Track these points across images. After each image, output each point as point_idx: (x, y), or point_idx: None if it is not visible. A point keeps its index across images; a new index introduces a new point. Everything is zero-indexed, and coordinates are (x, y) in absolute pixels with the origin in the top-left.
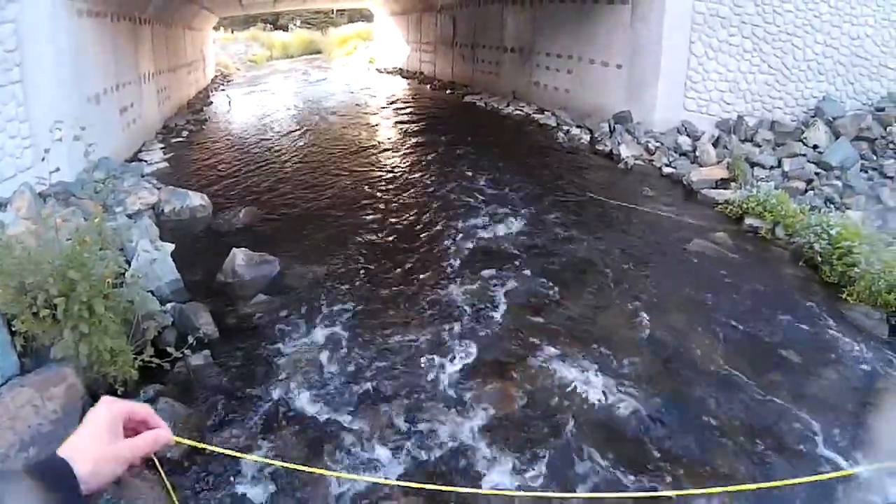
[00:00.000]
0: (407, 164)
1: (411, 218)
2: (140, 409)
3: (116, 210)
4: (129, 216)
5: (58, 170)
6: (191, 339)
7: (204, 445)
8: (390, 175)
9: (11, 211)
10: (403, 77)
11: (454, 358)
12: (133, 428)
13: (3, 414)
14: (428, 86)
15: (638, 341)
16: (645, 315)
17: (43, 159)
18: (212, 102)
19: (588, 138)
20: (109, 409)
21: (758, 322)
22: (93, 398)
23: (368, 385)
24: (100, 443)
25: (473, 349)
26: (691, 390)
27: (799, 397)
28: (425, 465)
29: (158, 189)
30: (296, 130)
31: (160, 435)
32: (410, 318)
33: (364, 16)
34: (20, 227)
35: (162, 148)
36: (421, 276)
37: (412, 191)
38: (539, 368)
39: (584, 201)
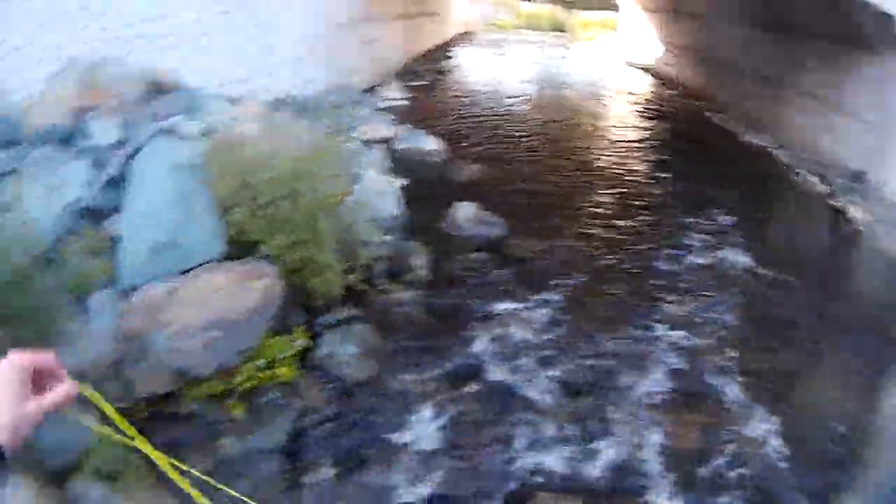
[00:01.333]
0: (637, 168)
1: (636, 223)
2: (44, 359)
3: (351, 135)
4: (363, 143)
5: (305, 81)
6: (403, 276)
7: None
8: (618, 175)
9: (242, 110)
10: (645, 75)
11: (647, 375)
12: (37, 380)
13: (194, 291)
14: (670, 91)
15: (832, 417)
16: (845, 394)
17: (291, 68)
18: (451, 56)
19: (822, 188)
20: (20, 363)
21: None
22: (289, 302)
23: (561, 374)
24: (14, 403)
25: (665, 374)
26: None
27: None
28: (590, 470)
29: (395, 125)
30: (535, 107)
31: (70, 391)
32: (615, 322)
33: (609, 5)
34: (249, 127)
35: (400, 87)
36: (629, 286)
37: (637, 194)
38: (725, 414)
39: (805, 254)
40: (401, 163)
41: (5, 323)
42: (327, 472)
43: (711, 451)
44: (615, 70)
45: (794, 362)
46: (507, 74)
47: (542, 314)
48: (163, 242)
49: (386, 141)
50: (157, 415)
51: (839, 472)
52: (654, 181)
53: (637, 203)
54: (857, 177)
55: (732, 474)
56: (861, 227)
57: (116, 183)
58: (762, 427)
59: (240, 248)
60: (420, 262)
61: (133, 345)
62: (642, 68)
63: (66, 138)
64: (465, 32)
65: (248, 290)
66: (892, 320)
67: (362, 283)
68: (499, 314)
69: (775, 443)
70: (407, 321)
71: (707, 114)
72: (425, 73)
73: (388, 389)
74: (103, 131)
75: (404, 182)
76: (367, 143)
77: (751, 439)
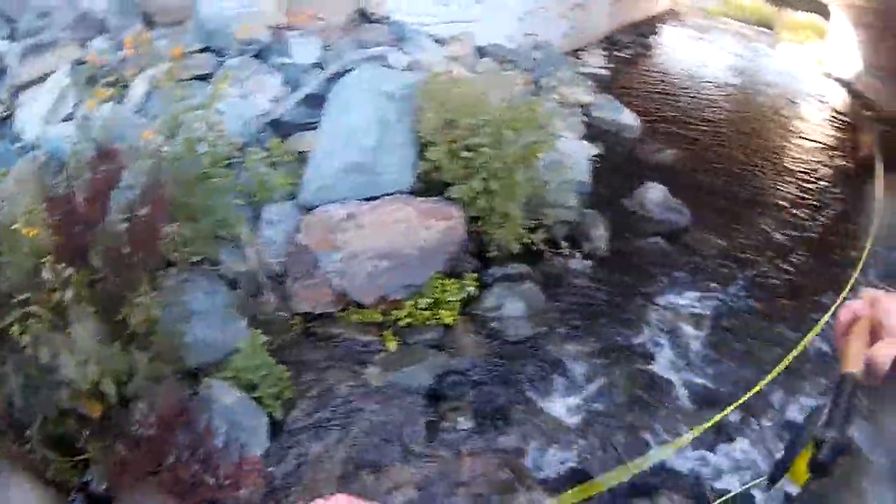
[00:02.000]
0: (824, 173)
1: (819, 246)
2: None
3: (551, 95)
4: (561, 105)
5: (510, 35)
6: (585, 246)
7: None
8: (807, 181)
9: (448, 51)
10: (848, 93)
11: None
12: None
13: (374, 219)
14: (867, 111)
15: None
16: None
17: (520, 19)
18: (657, 33)
19: None
20: None
21: None
22: (466, 249)
23: (720, 377)
24: None
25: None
26: None
27: None
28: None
29: (595, 92)
30: (731, 99)
31: None
32: (790, 334)
33: (820, 8)
34: (454, 68)
35: (603, 56)
36: (813, 304)
37: (823, 202)
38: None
39: None
40: (596, 131)
41: (188, 219)
42: (464, 423)
43: None
44: (815, 81)
45: None
46: (710, 61)
47: (710, 313)
48: (355, 164)
49: (583, 106)
50: (311, 332)
51: None
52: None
53: (822, 212)
54: None
55: None
56: None
57: (312, 101)
58: None
59: (430, 186)
60: (601, 233)
61: (302, 260)
62: (843, 84)
63: (265, 52)
64: (673, 11)
65: (429, 228)
66: None
67: (542, 242)
68: (667, 305)
69: None
70: (576, 290)
71: None
72: (630, 44)
73: (542, 353)
74: (303, 51)
75: (598, 151)
76: (566, 105)
77: None
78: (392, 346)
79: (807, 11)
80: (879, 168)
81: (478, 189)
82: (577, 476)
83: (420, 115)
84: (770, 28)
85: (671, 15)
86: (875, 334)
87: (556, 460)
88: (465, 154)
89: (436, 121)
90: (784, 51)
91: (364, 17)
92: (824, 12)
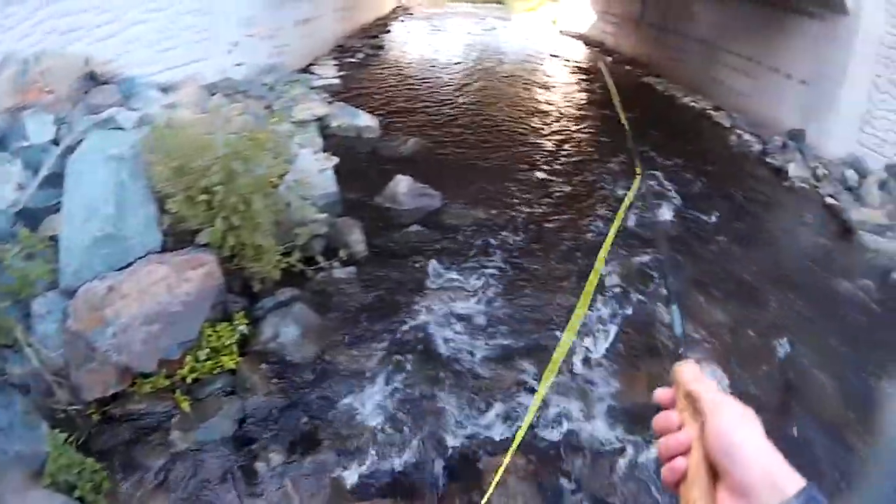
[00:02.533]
0: (575, 133)
1: (571, 187)
2: None
3: (285, 115)
4: (296, 123)
5: (241, 64)
6: (341, 254)
7: None
8: (557, 140)
9: (178, 97)
10: (585, 45)
11: (592, 336)
12: None
13: (134, 286)
14: (609, 58)
15: (765, 363)
16: (778, 340)
17: (229, 52)
18: (389, 31)
19: (759, 148)
20: None
21: (883, 382)
22: (228, 289)
23: (501, 338)
24: None
25: (610, 332)
26: (800, 431)
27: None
28: (538, 435)
29: (328, 103)
30: (470, 76)
31: None
32: (556, 284)
33: None
34: (185, 113)
35: (335, 65)
36: (574, 246)
37: (575, 159)
38: (669, 366)
39: (742, 210)
40: (336, 140)
41: None
42: (277, 457)
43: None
44: (552, 40)
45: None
46: (443, 47)
47: (479, 283)
48: (101, 238)
49: (320, 119)
50: (108, 416)
51: None
52: (589, 145)
53: (572, 168)
54: (794, 136)
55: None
56: (799, 183)
57: (54, 181)
58: None
59: (180, 237)
60: (357, 237)
61: (79, 346)
62: (578, 37)
63: (2, 139)
64: (403, 6)
65: (188, 280)
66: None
67: (300, 263)
68: (434, 285)
69: None
70: (345, 298)
71: (644, 79)
72: (361, 48)
73: (330, 369)
74: (38, 129)
75: (339, 159)
76: (302, 122)
77: None
78: (186, 406)
79: None
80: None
81: (223, 228)
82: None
83: (151, 169)
84: (501, 2)
85: (401, 10)
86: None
87: (375, 462)
88: (201, 197)
89: (166, 171)
90: (519, 19)
91: (94, 79)
92: None
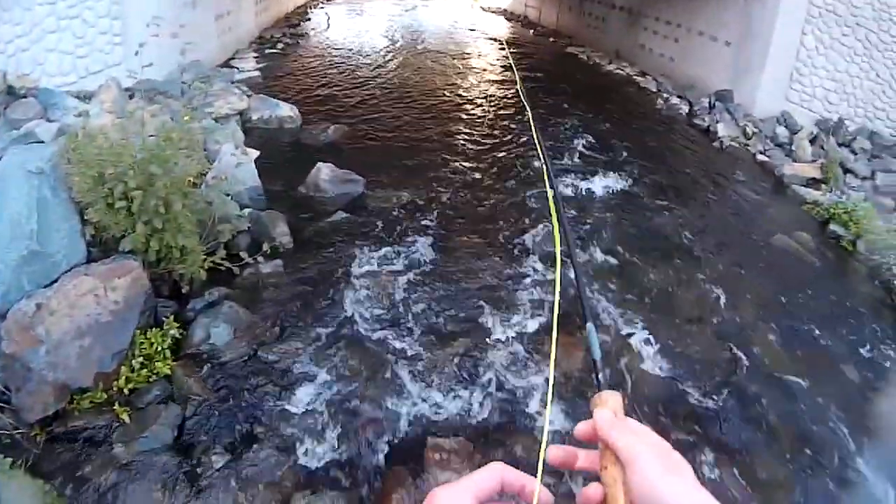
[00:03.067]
0: (499, 106)
1: (497, 160)
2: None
3: (204, 112)
4: (217, 119)
5: (151, 65)
6: (265, 248)
7: None
8: (481, 114)
9: (96, 103)
10: (507, 19)
11: (522, 309)
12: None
13: (62, 301)
14: (531, 31)
15: (705, 322)
16: (717, 299)
17: (136, 53)
18: (310, 19)
19: (686, 110)
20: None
21: (824, 332)
22: (156, 294)
23: (434, 321)
24: None
25: (541, 304)
26: (746, 383)
27: (852, 418)
28: (474, 413)
29: (248, 96)
30: (391, 57)
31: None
32: (484, 260)
33: None
34: (104, 120)
35: (255, 57)
36: (501, 221)
37: (500, 133)
38: (604, 334)
39: (673, 173)
40: (257, 133)
41: None
42: (218, 459)
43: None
44: (473, 16)
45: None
46: (363, 31)
47: (405, 264)
48: (26, 256)
49: (240, 113)
50: (52, 436)
51: None
52: (515, 118)
53: (500, 140)
54: (722, 97)
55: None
56: (729, 143)
57: None
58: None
59: (104, 247)
60: (282, 230)
61: (15, 368)
62: (500, 12)
63: None
64: None
65: (115, 289)
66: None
67: (226, 260)
68: (363, 271)
69: None
70: (273, 293)
71: (569, 49)
72: (281, 38)
73: (263, 365)
74: None
75: (261, 152)
76: (223, 117)
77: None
78: (126, 417)
79: None
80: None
81: (145, 233)
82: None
83: (70, 180)
84: None
85: None
86: None
87: (316, 454)
88: (120, 204)
89: (85, 181)
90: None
91: (12, 93)
92: None
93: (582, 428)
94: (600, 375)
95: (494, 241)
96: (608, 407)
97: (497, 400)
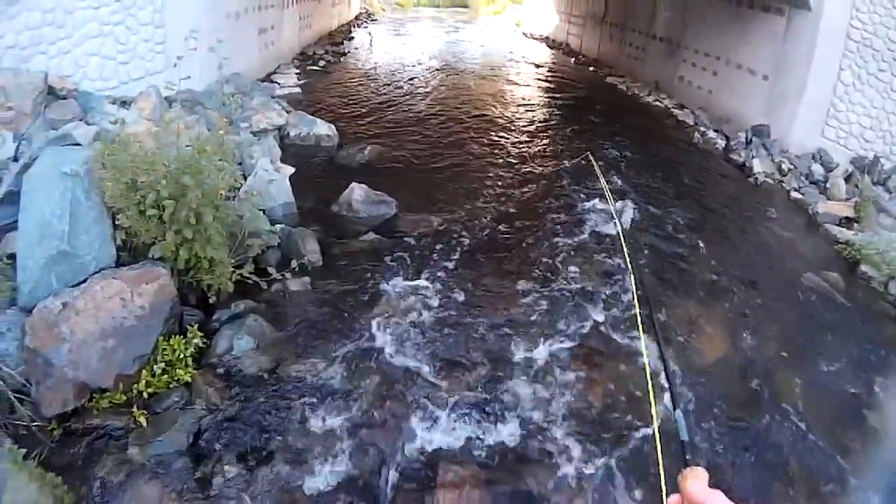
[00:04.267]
0: (536, 134)
1: (532, 191)
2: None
3: (242, 125)
4: (254, 133)
5: (188, 77)
6: (294, 264)
7: None
8: (518, 143)
9: (135, 110)
10: (549, 46)
11: (547, 340)
12: None
13: (89, 301)
14: (572, 59)
15: (727, 360)
16: (742, 336)
17: (175, 65)
18: (353, 38)
19: (723, 144)
20: None
21: (851, 377)
22: (182, 302)
23: (458, 347)
24: None
25: (568, 335)
26: (767, 428)
27: (870, 467)
28: (492, 442)
29: (287, 112)
30: (432, 81)
31: None
32: (511, 289)
33: None
34: (141, 127)
35: (297, 73)
36: (530, 251)
37: (537, 163)
38: (627, 366)
39: (706, 209)
40: (293, 150)
41: None
42: (231, 469)
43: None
44: (515, 42)
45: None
46: (405, 52)
47: (432, 289)
48: (55, 255)
49: (279, 129)
50: (70, 431)
51: None
52: (547, 150)
53: (533, 172)
54: (759, 132)
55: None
56: (764, 178)
57: (12, 198)
58: None
59: (135, 252)
60: (312, 247)
61: (37, 363)
62: (542, 39)
63: None
64: (367, 13)
65: (142, 294)
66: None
67: (254, 274)
68: (390, 294)
69: None
70: (299, 309)
71: (609, 79)
72: (324, 55)
73: (284, 380)
74: None
75: (296, 168)
76: (261, 132)
77: None
78: (143, 420)
79: None
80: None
81: (175, 242)
82: (353, 484)
83: (102, 185)
84: (465, 6)
85: (365, 16)
86: None
87: (330, 473)
88: (151, 212)
89: (118, 187)
90: (483, 22)
91: (53, 94)
92: None
93: (672, 502)
94: (688, 455)
95: (525, 273)
96: (698, 479)
97: (513, 431)
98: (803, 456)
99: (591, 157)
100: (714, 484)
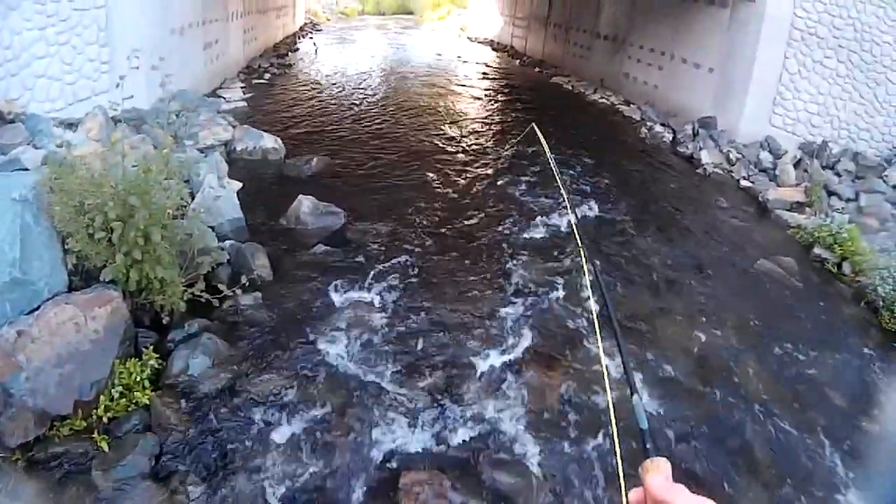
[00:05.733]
0: (484, 137)
1: (479, 192)
2: None
3: (188, 143)
4: (201, 150)
5: (131, 96)
6: (244, 280)
7: None
8: (465, 145)
9: (82, 132)
10: (493, 49)
11: (503, 339)
12: None
13: (43, 328)
14: (517, 61)
15: (686, 350)
16: (699, 325)
17: (118, 85)
18: (298, 49)
19: (670, 138)
20: None
21: (809, 356)
22: (136, 324)
23: (414, 352)
24: None
25: (521, 334)
26: (728, 412)
27: (835, 443)
28: (454, 444)
29: (233, 127)
30: (378, 87)
31: None
32: (465, 292)
33: None
34: (89, 149)
35: (242, 87)
36: (482, 253)
37: (485, 165)
38: (583, 362)
39: (656, 202)
40: (241, 164)
41: None
42: (195, 489)
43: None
44: (460, 47)
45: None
46: (350, 61)
47: (385, 297)
48: (7, 282)
49: (225, 144)
50: (34, 461)
51: None
52: (500, 148)
53: (482, 172)
54: (705, 124)
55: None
56: (713, 169)
57: None
58: None
59: (86, 276)
60: (262, 262)
61: None
62: (487, 42)
63: None
64: (312, 23)
65: (95, 318)
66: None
67: (205, 292)
68: (342, 304)
69: None
70: (252, 325)
71: (554, 79)
72: (269, 68)
73: (241, 397)
74: None
75: (244, 183)
76: (207, 148)
77: None
78: (104, 445)
79: None
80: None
81: (125, 264)
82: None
83: (51, 209)
84: (410, 13)
85: (309, 27)
86: None
87: (292, 486)
88: (100, 234)
89: (66, 211)
90: (428, 28)
91: (1, 118)
92: None
93: (634, 497)
94: (648, 444)
95: (477, 274)
96: (660, 472)
97: (472, 434)
98: (766, 440)
99: (536, 128)
100: (678, 474)
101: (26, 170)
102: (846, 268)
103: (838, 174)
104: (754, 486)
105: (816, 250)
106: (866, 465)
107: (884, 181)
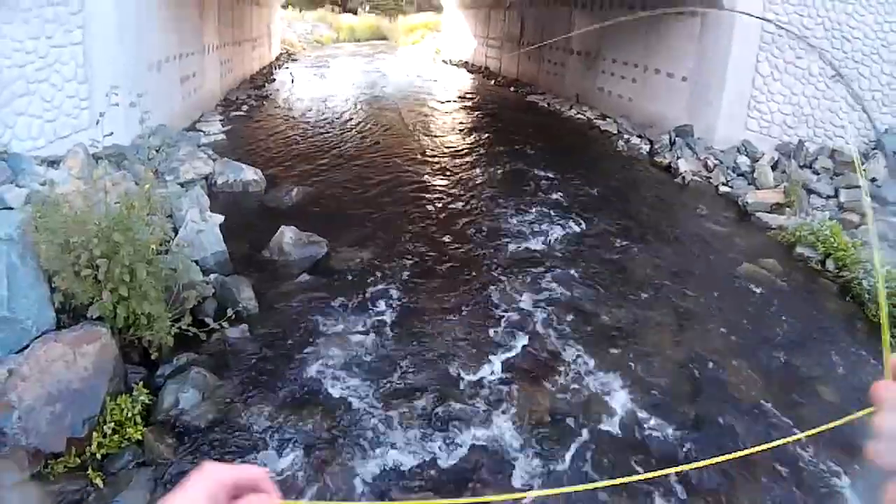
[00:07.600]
0: (463, 158)
1: (462, 214)
2: (249, 474)
3: (169, 178)
4: (182, 185)
5: (111, 133)
6: (230, 312)
7: None
8: (445, 168)
9: (64, 169)
10: (469, 71)
11: (490, 359)
12: (237, 495)
13: (33, 367)
14: (492, 81)
15: (674, 358)
16: (685, 333)
17: (97, 122)
18: (275, 79)
19: (647, 149)
20: (211, 478)
21: (797, 354)
22: (125, 360)
23: (402, 377)
24: None
25: (510, 352)
26: (718, 416)
27: (829, 440)
28: (447, 467)
29: (213, 160)
30: (355, 114)
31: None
32: (451, 314)
33: (433, 6)
34: (71, 187)
35: (221, 120)
36: (466, 274)
37: (465, 186)
38: (573, 377)
39: (636, 213)
40: (222, 197)
41: None
42: None
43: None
44: (435, 70)
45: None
46: (326, 89)
47: (370, 325)
48: None
49: (206, 178)
50: (28, 501)
51: None
52: (479, 169)
53: (461, 194)
54: (682, 132)
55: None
56: (691, 177)
57: None
58: None
59: (73, 313)
60: (247, 294)
61: None
62: (462, 64)
63: None
64: (288, 53)
65: (84, 356)
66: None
67: (192, 326)
68: (328, 332)
69: None
70: (240, 357)
71: (530, 98)
72: (246, 100)
73: (231, 429)
74: None
75: (226, 216)
76: (188, 182)
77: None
78: (99, 482)
79: (420, 11)
80: None
81: (112, 301)
82: None
83: (37, 248)
84: (385, 38)
85: (285, 56)
86: None
87: None
88: (86, 272)
89: (52, 249)
90: (403, 53)
91: None
92: (438, 8)
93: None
94: None
95: (461, 296)
96: None
97: (463, 453)
98: (752, 434)
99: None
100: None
101: (10, 209)
102: (830, 264)
103: (816, 172)
104: (743, 485)
105: (799, 249)
106: (859, 458)
107: (862, 175)
